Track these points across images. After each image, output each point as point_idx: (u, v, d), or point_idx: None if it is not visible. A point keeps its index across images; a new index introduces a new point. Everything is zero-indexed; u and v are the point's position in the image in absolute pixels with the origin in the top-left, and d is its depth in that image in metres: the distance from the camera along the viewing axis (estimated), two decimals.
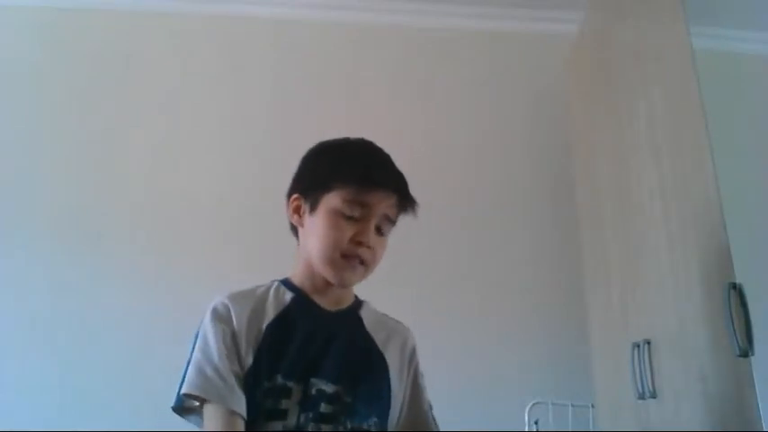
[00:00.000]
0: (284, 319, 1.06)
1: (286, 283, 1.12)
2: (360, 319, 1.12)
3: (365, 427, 1.01)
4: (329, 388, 1.00)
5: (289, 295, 1.09)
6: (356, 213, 1.04)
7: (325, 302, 1.10)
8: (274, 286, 1.11)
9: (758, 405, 1.20)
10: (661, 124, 1.65)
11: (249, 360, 1.01)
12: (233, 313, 1.05)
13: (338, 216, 1.04)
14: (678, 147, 1.57)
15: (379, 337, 1.11)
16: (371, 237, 1.04)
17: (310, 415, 0.98)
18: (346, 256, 1.04)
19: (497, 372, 2.18)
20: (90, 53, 2.49)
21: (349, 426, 0.99)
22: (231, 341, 1.02)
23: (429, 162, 2.32)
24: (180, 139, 2.41)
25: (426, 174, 2.38)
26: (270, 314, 1.06)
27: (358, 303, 1.15)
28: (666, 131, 1.63)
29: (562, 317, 2.26)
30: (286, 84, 2.49)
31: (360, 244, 1.03)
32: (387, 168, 1.10)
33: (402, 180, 1.10)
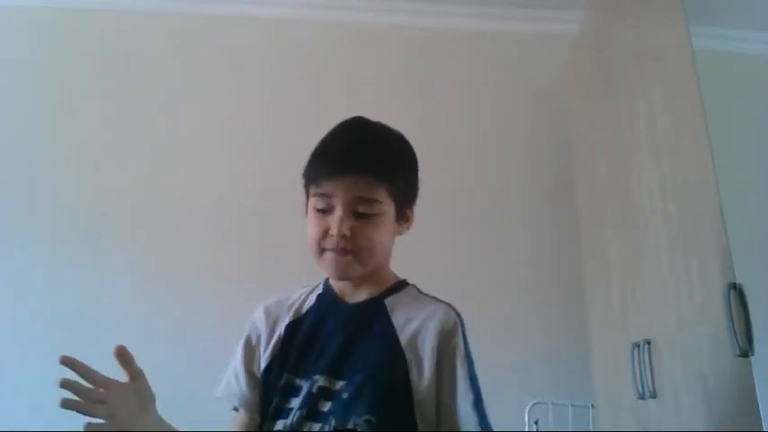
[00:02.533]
0: (303, 318, 1.08)
1: (327, 280, 1.12)
2: (383, 309, 1.05)
3: (350, 425, 0.95)
4: (331, 385, 0.99)
5: (318, 292, 1.11)
6: (324, 206, 1.00)
7: (353, 295, 1.07)
8: (317, 284, 1.12)
9: (758, 405, 1.20)
10: (661, 124, 1.65)
11: (266, 361, 1.05)
12: (264, 316, 1.10)
13: (313, 212, 1.02)
14: (678, 147, 1.57)
15: (403, 328, 1.02)
16: (344, 225, 0.98)
17: (304, 413, 0.97)
18: (329, 250, 1.01)
19: (497, 372, 2.17)
20: (90, 53, 2.49)
21: (333, 424, 0.95)
22: (256, 344, 1.08)
23: (429, 162, 2.30)
24: (180, 139, 2.41)
25: (426, 174, 2.38)
26: (294, 314, 1.09)
27: (390, 290, 1.08)
28: (666, 131, 1.63)
29: (562, 317, 2.26)
30: (286, 84, 2.49)
31: (332, 236, 0.99)
32: (347, 150, 1.03)
33: (368, 156, 1.02)
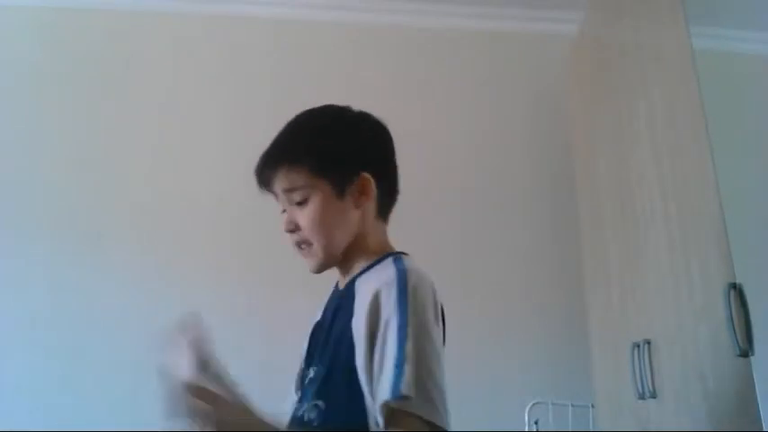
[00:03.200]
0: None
1: None
2: (353, 291, 0.97)
3: (299, 413, 0.95)
4: (313, 373, 1.00)
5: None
6: (282, 206, 1.04)
7: (343, 282, 1.06)
8: None
9: (758, 405, 1.20)
10: (661, 124, 1.66)
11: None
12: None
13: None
14: (678, 147, 1.57)
15: (357, 306, 0.93)
16: (289, 219, 1.02)
17: (296, 404, 1.02)
18: (295, 247, 1.03)
19: (497, 372, 2.18)
20: (90, 53, 2.49)
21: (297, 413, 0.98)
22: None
23: (429, 162, 2.32)
24: (180, 139, 2.41)
25: (426, 174, 2.39)
26: (321, 312, 1.13)
27: (366, 269, 1.01)
28: (666, 131, 1.63)
29: (562, 317, 2.26)
30: (286, 84, 2.49)
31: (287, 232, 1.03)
32: (268, 148, 1.06)
33: (276, 146, 1.05)
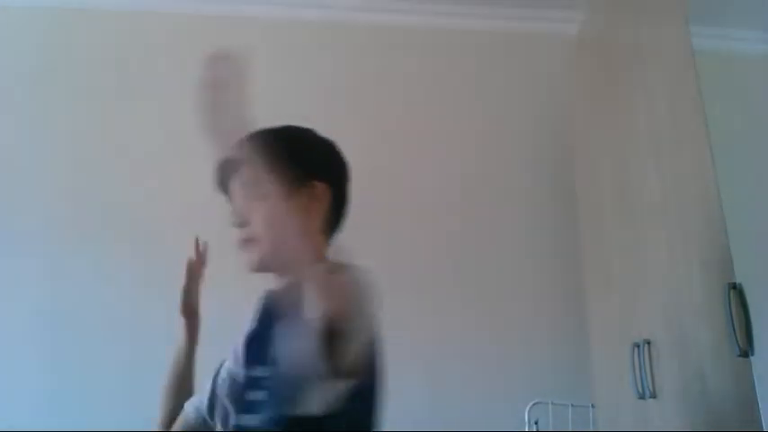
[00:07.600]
0: None
1: None
2: None
3: None
4: None
5: None
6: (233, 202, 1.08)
7: None
8: None
9: (758, 405, 1.21)
10: (661, 124, 1.66)
11: None
12: None
13: None
14: (678, 147, 1.58)
15: None
16: (236, 215, 1.04)
17: None
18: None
19: (497, 372, 2.18)
20: (90, 53, 2.49)
21: None
22: None
23: (429, 163, 2.33)
24: (179, 139, 2.41)
25: (426, 174, 2.39)
26: None
27: None
28: (666, 131, 1.63)
29: (562, 317, 2.26)
30: (286, 84, 2.49)
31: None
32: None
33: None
